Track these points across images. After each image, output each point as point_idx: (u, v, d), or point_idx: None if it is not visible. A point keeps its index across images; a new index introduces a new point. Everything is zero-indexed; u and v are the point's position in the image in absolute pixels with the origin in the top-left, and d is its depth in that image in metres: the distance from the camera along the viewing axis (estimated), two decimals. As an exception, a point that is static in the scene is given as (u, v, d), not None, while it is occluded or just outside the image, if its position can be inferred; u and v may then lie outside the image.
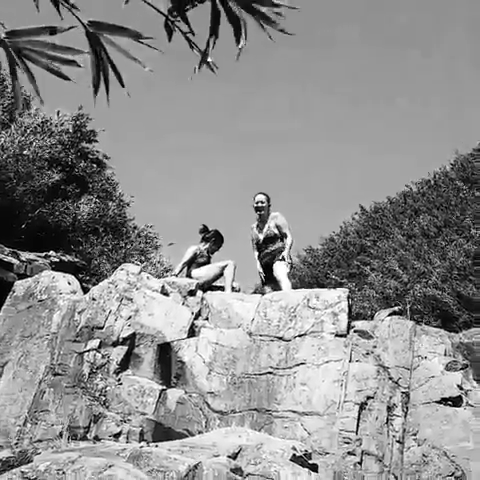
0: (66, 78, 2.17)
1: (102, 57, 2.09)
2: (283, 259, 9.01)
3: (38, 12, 2.06)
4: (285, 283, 8.76)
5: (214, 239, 9.94)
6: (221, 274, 9.16)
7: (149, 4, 2.00)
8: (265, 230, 9.31)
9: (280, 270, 8.93)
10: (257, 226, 9.44)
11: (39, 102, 2.32)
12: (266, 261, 9.14)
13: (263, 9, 2.05)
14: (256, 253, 9.55)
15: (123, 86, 2.16)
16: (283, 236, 9.21)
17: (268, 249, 9.17)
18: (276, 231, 9.20)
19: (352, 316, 7.47)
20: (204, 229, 9.97)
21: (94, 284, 8.97)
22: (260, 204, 9.35)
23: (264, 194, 9.47)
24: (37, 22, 2.10)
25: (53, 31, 2.07)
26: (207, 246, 9.85)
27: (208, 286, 8.66)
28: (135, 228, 15.58)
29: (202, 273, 8.74)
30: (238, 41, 2.07)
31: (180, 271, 9.29)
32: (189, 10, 2.05)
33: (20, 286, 8.43)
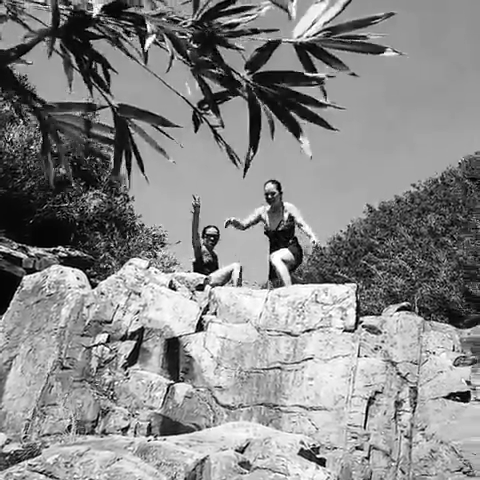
0: (105, 158, 2.18)
1: (127, 141, 2.09)
2: (314, 244, 8.82)
3: (70, 93, 2.06)
4: (281, 268, 8.65)
5: (206, 235, 9.99)
6: (229, 278, 9.18)
7: (180, 95, 1.97)
8: (279, 222, 9.12)
9: (277, 255, 8.83)
10: (269, 212, 9.25)
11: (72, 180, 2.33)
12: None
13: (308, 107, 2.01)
14: (246, 221, 9.39)
15: (143, 172, 2.15)
16: (299, 226, 8.98)
17: (282, 242, 9.01)
18: (291, 223, 9.02)
19: (360, 312, 7.45)
20: (204, 228, 10.05)
21: (101, 279, 8.99)
22: (270, 196, 9.09)
23: (274, 182, 9.16)
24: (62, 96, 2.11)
25: (92, 108, 2.07)
26: (204, 242, 9.91)
27: None
28: (141, 226, 15.59)
29: (211, 281, 8.69)
30: (298, 137, 2.03)
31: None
32: (220, 104, 2.03)
33: (29, 281, 8.45)
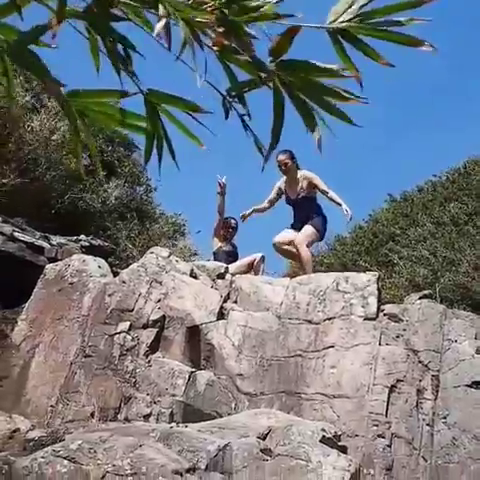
0: (132, 144, 2.14)
1: (157, 128, 2.05)
2: (347, 213, 8.70)
3: (98, 76, 2.03)
4: (305, 255, 8.62)
5: (224, 225, 10.02)
6: (250, 268, 9.18)
7: (208, 83, 1.92)
8: (298, 191, 9.05)
9: (300, 234, 8.79)
10: (286, 182, 9.19)
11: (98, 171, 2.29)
12: (301, 226, 8.94)
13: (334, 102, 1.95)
14: (267, 201, 9.39)
15: (174, 159, 2.10)
16: (323, 193, 8.89)
17: (303, 212, 8.93)
18: (310, 191, 8.94)
19: (382, 301, 7.42)
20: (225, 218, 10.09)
21: (123, 268, 9.01)
22: (283, 167, 9.00)
23: (285, 152, 9.00)
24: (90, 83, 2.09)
25: (123, 95, 2.04)
26: (223, 233, 9.96)
27: None
28: (162, 214, 15.58)
29: (231, 270, 8.68)
30: (312, 130, 1.96)
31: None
32: (247, 92, 1.98)
33: (51, 269, 8.51)
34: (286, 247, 8.95)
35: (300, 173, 9.02)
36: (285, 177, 9.17)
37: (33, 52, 1.90)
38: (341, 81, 1.95)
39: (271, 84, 1.93)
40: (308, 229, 8.78)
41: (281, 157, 8.97)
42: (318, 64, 1.90)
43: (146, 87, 2.01)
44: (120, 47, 1.94)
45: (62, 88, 2.03)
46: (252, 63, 1.92)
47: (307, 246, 8.74)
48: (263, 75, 1.93)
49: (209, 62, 1.90)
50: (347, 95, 1.94)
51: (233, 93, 1.98)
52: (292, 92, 1.93)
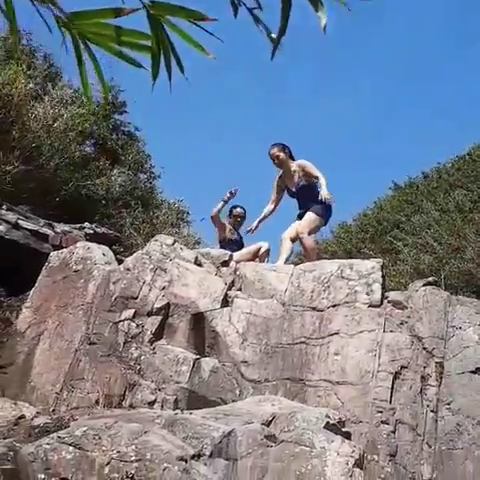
0: (139, 65, 2.09)
1: (163, 41, 2.00)
2: (321, 202, 8.66)
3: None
4: (308, 243, 8.59)
5: (233, 216, 10.02)
6: (255, 256, 9.17)
7: None
8: (295, 181, 9.03)
9: (302, 223, 8.75)
10: (284, 175, 9.17)
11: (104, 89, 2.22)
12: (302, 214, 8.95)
13: None
14: (271, 202, 9.35)
15: (182, 72, 2.06)
16: (316, 179, 8.82)
17: (306, 200, 8.88)
18: (307, 179, 8.88)
19: (386, 288, 7.41)
20: (231, 207, 10.08)
21: (127, 255, 9.03)
22: (276, 160, 9.01)
23: (275, 145, 9.05)
24: (91, 4, 2.04)
25: (118, 13, 1.98)
26: (230, 222, 9.96)
27: None
28: (163, 201, 15.58)
29: (235, 258, 8.66)
30: (317, 10, 1.92)
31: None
32: None
33: (55, 257, 8.52)
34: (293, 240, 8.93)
35: (295, 163, 9.02)
36: (281, 171, 9.14)
37: None
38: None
39: None
40: (309, 216, 8.76)
41: (272, 151, 9.04)
42: None
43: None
44: None
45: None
46: None
47: (310, 233, 8.72)
48: None
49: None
50: None
51: None
52: None
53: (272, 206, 9.41)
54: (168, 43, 2.02)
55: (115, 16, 1.99)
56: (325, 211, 8.90)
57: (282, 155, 9.01)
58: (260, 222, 9.45)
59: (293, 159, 9.09)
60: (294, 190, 9.03)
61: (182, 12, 1.98)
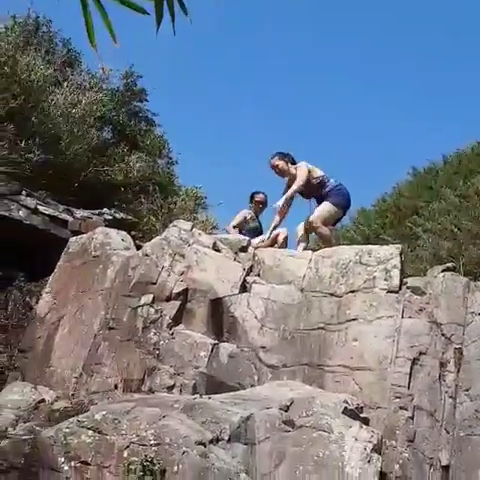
0: (144, 11, 2.09)
1: None
2: (334, 193, 8.67)
3: None
4: (323, 230, 8.51)
5: (255, 201, 9.98)
6: (274, 243, 9.13)
7: None
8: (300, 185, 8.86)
9: (315, 213, 8.68)
10: (289, 182, 9.00)
11: (112, 41, 2.21)
12: None
13: None
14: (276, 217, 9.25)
15: (186, 14, 2.06)
16: (315, 179, 8.75)
17: (320, 196, 8.78)
18: (313, 180, 8.75)
19: (405, 274, 7.37)
20: (252, 193, 10.05)
21: (146, 241, 9.04)
22: (277, 170, 8.91)
23: (274, 155, 8.95)
24: None
25: None
26: (252, 207, 9.93)
27: None
28: (181, 187, 15.56)
29: (254, 243, 8.61)
30: None
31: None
32: None
33: (75, 243, 8.56)
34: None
35: (295, 167, 8.89)
36: (286, 179, 9.04)
37: None
38: None
39: None
40: (322, 206, 8.66)
41: (271, 162, 8.95)
42: None
43: None
44: None
45: None
46: None
47: (325, 223, 8.61)
48: None
49: None
50: None
51: None
52: None
53: (278, 217, 9.18)
54: None
55: None
56: (339, 198, 8.77)
57: (281, 163, 8.91)
58: (272, 232, 9.21)
59: (295, 163, 8.99)
60: (305, 192, 8.94)
61: None
